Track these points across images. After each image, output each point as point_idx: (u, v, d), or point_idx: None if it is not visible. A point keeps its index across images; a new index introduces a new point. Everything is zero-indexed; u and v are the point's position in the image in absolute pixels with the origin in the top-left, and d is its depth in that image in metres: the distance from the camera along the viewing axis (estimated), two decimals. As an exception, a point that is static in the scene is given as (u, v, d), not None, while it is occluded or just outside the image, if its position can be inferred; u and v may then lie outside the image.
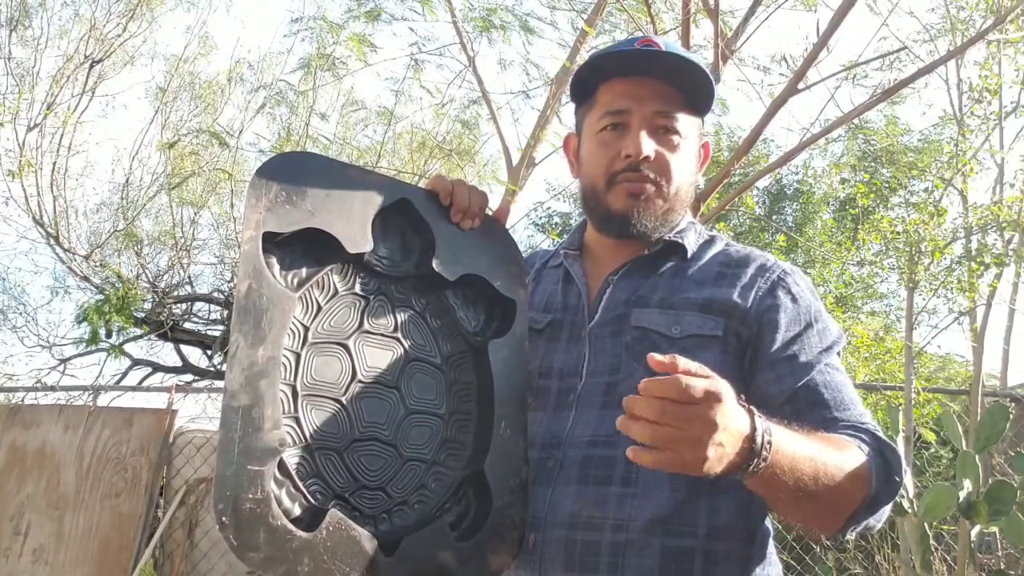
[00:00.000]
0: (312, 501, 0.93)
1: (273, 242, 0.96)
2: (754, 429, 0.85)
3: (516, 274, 1.14)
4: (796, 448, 0.90)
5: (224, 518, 0.84)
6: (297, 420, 0.95)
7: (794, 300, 1.12)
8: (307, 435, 0.95)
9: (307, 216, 0.98)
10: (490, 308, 1.12)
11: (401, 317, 1.06)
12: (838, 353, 1.12)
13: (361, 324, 1.02)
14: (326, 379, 0.98)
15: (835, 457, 0.95)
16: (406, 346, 1.05)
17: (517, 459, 1.06)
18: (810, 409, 1.05)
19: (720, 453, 0.82)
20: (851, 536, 1.03)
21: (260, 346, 0.91)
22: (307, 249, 1.00)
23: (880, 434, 1.03)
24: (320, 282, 1.01)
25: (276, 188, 0.96)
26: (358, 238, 1.01)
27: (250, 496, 0.86)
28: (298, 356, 0.96)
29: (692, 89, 1.16)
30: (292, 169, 0.98)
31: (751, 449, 0.84)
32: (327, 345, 0.99)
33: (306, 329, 0.98)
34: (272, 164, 0.98)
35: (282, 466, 0.92)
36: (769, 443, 0.86)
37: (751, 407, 0.87)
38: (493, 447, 1.04)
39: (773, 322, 1.10)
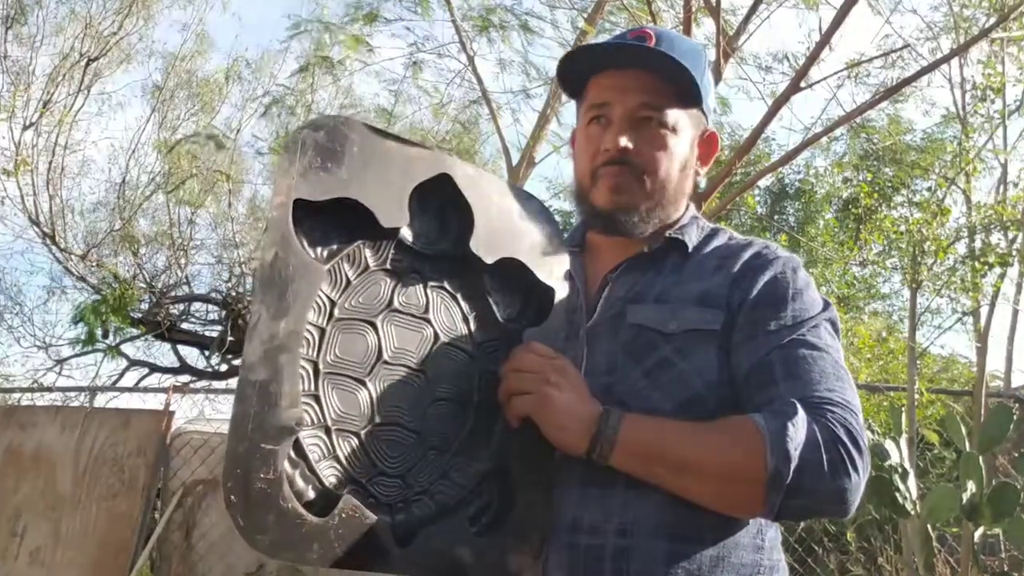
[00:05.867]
0: (326, 485, 0.89)
1: (304, 211, 0.91)
2: (604, 410, 0.97)
3: (557, 261, 1.08)
4: (655, 426, 0.98)
5: (233, 497, 0.80)
6: (317, 399, 0.90)
7: (774, 280, 1.07)
8: (326, 415, 0.90)
9: (342, 185, 0.92)
10: (527, 295, 1.07)
11: (433, 298, 1.00)
12: (819, 326, 1.04)
13: (391, 302, 0.97)
14: (350, 358, 0.93)
15: (704, 437, 0.96)
16: (436, 329, 1.00)
17: (544, 454, 1.00)
18: (762, 388, 1.00)
19: (555, 391, 0.97)
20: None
21: (282, 319, 0.86)
22: (339, 220, 0.94)
23: (803, 409, 0.94)
24: (351, 255, 0.96)
25: (311, 153, 0.91)
26: (394, 211, 0.96)
27: (262, 475, 0.82)
28: (322, 331, 0.92)
29: (681, 80, 1.12)
30: (329, 134, 0.93)
31: (601, 416, 0.97)
32: (354, 322, 0.94)
33: (333, 304, 0.93)
34: (308, 128, 0.93)
35: (297, 446, 0.87)
36: (619, 418, 0.96)
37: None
38: (520, 440, 0.99)
39: (747, 304, 1.05)
